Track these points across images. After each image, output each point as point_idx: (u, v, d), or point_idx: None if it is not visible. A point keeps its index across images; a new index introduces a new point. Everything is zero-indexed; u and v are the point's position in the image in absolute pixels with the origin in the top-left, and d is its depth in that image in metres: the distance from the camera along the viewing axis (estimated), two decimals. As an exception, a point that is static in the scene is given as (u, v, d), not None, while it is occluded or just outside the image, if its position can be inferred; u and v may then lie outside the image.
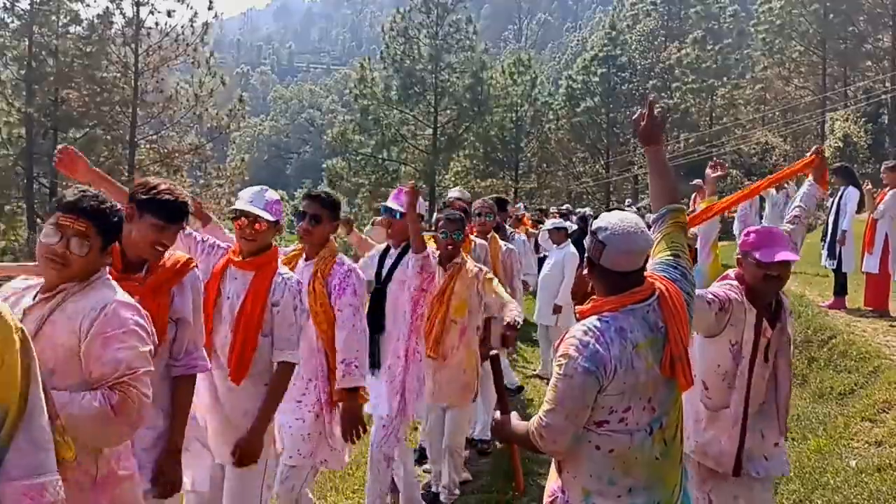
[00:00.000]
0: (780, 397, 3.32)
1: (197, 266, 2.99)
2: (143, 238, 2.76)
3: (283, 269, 3.48)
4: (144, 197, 2.79)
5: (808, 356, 7.68)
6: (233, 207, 3.42)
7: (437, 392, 4.85)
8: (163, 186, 2.85)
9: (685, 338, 2.43)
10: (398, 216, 4.51)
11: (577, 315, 2.49)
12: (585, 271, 2.54)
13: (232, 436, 3.26)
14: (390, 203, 4.57)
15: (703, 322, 3.14)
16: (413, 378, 4.45)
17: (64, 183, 26.84)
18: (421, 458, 5.74)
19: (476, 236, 6.01)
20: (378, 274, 4.58)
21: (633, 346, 2.31)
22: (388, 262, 4.57)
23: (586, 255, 2.51)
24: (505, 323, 4.53)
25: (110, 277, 2.46)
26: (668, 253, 2.62)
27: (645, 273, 2.47)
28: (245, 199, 3.40)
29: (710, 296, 3.17)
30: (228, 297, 3.40)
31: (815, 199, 3.80)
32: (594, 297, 2.49)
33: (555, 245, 8.77)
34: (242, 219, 3.36)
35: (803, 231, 3.73)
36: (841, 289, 8.95)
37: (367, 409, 4.17)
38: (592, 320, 2.36)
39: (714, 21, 42.89)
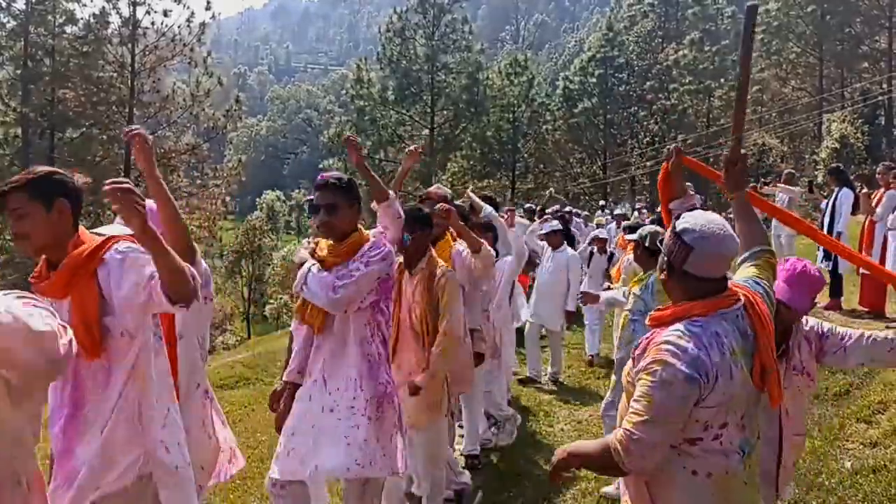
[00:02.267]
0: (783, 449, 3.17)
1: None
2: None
3: None
4: None
5: (803, 357, 7.67)
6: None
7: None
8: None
9: (774, 348, 2.26)
10: None
11: (650, 322, 2.30)
12: (662, 277, 2.34)
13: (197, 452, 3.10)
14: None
15: None
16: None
17: (60, 183, 26.85)
18: None
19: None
20: None
21: (731, 352, 2.13)
22: None
23: (664, 258, 2.31)
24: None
25: None
26: (755, 273, 2.47)
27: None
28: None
29: None
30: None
31: None
32: (667, 306, 2.30)
33: (551, 249, 8.53)
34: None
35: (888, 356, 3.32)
36: (836, 290, 8.96)
37: None
38: (684, 325, 2.15)
39: (711, 22, 42.91)
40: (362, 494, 3.42)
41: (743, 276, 2.45)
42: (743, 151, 2.75)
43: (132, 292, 2.47)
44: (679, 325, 2.15)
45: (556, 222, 8.77)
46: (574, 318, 9.14)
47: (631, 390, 2.22)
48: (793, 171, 13.66)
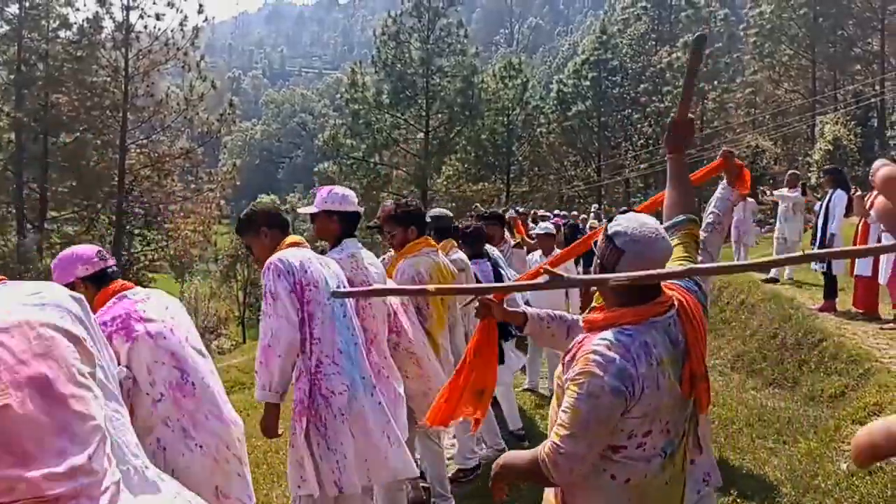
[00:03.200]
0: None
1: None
2: None
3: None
4: None
5: (798, 359, 7.68)
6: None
7: None
8: None
9: (704, 354, 2.20)
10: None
11: (583, 325, 2.24)
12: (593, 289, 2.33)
13: None
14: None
15: None
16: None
17: (54, 188, 26.77)
18: None
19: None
20: None
21: (658, 362, 2.07)
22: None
23: (597, 261, 2.25)
24: None
25: None
26: (681, 259, 2.42)
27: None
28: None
29: None
30: None
31: (730, 202, 3.44)
32: (600, 306, 2.24)
33: (541, 253, 7.88)
34: None
35: (719, 239, 3.40)
36: (831, 292, 8.97)
37: None
38: (613, 333, 2.10)
39: (704, 25, 43.02)
40: None
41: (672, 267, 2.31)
42: (691, 115, 2.77)
43: None
44: (608, 334, 2.09)
45: (549, 225, 8.28)
46: None
47: (561, 396, 2.17)
48: (796, 172, 13.36)
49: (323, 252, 4.01)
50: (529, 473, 2.19)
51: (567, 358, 2.18)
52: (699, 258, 3.22)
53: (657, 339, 2.09)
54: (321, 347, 3.39)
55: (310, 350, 3.38)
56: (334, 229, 4.00)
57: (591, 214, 18.79)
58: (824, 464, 5.29)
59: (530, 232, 8.65)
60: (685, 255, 2.45)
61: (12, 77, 26.23)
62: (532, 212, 15.01)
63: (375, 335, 4.00)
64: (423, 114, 35.16)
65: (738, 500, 4.84)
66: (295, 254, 3.44)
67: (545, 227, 8.07)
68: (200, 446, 2.89)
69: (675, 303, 2.20)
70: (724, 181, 3.53)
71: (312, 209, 4.00)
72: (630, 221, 2.18)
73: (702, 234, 3.25)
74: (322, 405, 3.36)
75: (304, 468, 3.35)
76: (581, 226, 15.54)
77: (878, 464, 5.03)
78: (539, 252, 7.97)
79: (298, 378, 3.41)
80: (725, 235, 3.45)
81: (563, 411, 2.09)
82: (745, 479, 5.19)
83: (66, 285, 2.52)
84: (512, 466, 2.27)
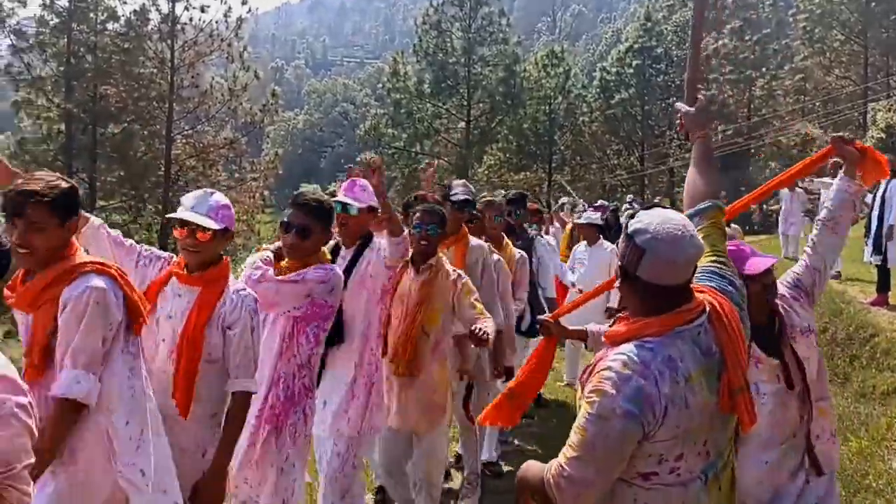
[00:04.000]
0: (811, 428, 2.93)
1: (112, 275, 2.60)
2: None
3: (237, 284, 3.05)
4: None
5: (849, 354, 7.51)
6: (170, 216, 2.98)
7: (403, 415, 4.08)
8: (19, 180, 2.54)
9: (745, 364, 1.98)
10: (354, 211, 3.91)
11: (605, 339, 2.05)
12: (617, 284, 2.10)
13: (189, 477, 2.85)
14: (342, 197, 3.93)
15: None
16: (376, 393, 3.89)
17: (103, 178, 27.34)
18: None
19: (483, 238, 5.14)
20: None
21: (686, 378, 1.87)
22: (341, 262, 3.89)
23: (619, 263, 2.05)
24: (472, 329, 3.78)
25: None
26: (712, 258, 2.18)
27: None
28: (186, 206, 2.92)
29: None
30: (171, 317, 2.96)
31: (848, 195, 3.08)
32: (624, 316, 2.05)
33: (586, 244, 7.78)
34: (183, 228, 2.89)
35: (834, 240, 3.07)
36: (884, 285, 8.73)
37: (315, 430, 3.65)
38: (631, 348, 1.90)
39: (752, 11, 42.03)
40: None
41: (701, 264, 2.10)
42: (703, 94, 2.66)
43: (70, 338, 2.47)
44: (628, 348, 1.90)
45: (595, 214, 8.06)
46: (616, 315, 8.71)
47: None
48: (839, 160, 12.97)
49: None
50: (539, 493, 2.00)
51: (584, 375, 2.01)
52: (807, 261, 3.05)
53: (684, 351, 1.89)
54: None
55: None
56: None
57: (626, 206, 18.08)
58: (875, 462, 5.16)
59: (576, 221, 8.44)
60: (713, 250, 2.20)
61: (62, 69, 26.74)
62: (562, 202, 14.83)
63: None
64: (465, 103, 35.08)
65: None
66: None
67: (589, 216, 7.91)
68: None
69: (707, 307, 1.98)
70: (843, 171, 3.17)
71: (361, 203, 3.96)
72: (653, 217, 1.96)
73: (813, 232, 3.12)
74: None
75: None
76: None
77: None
78: (584, 243, 7.90)
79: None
80: (844, 236, 3.14)
81: (573, 431, 1.92)
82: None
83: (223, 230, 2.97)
84: (524, 481, 2.09)
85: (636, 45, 40.74)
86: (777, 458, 2.86)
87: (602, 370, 1.89)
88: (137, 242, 3.26)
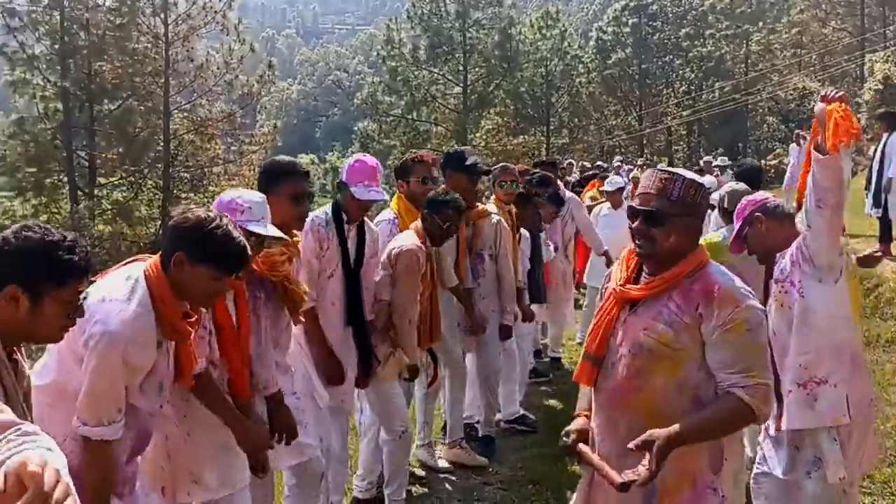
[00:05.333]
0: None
1: None
2: (199, 288, 2.48)
3: None
4: (199, 245, 2.43)
5: (854, 305, 7.69)
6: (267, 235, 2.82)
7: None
8: (219, 230, 2.44)
9: None
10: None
11: None
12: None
13: None
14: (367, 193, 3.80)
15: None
16: None
17: (103, 155, 27.33)
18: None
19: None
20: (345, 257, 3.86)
21: None
22: (351, 242, 3.89)
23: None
24: None
25: None
26: None
27: None
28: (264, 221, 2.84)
29: None
30: None
31: (826, 178, 2.93)
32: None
33: (609, 206, 8.02)
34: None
35: (822, 219, 2.99)
36: (886, 236, 8.88)
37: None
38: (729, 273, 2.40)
39: (748, -36, 41.71)
40: None
41: None
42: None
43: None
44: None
45: (618, 178, 8.42)
46: None
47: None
48: None
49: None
50: (724, 426, 2.27)
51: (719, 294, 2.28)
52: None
53: None
54: None
55: None
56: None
57: (615, 167, 17.60)
58: (882, 407, 5.37)
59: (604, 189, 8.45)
60: None
61: (56, 47, 26.57)
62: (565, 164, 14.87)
63: None
64: (461, 68, 34.92)
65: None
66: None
67: (614, 181, 8.18)
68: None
69: None
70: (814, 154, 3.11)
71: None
72: None
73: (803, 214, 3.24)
74: None
75: None
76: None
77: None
78: (607, 205, 8.10)
79: None
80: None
81: (743, 350, 2.22)
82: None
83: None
84: (688, 433, 2.16)
85: (632, 3, 40.44)
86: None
87: (739, 288, 2.29)
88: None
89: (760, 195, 3.57)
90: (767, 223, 3.32)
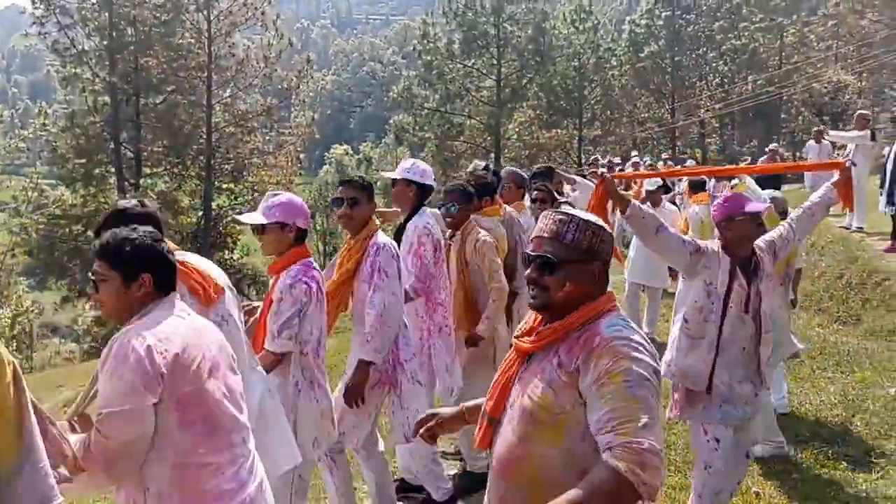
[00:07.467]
0: (760, 351, 3.67)
1: None
2: None
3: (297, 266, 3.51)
4: None
5: (862, 297, 8.19)
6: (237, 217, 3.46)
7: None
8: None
9: None
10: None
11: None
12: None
13: None
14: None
15: (680, 260, 3.71)
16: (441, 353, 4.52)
17: (149, 148, 28.36)
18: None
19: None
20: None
21: None
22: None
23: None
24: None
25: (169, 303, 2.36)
26: None
27: None
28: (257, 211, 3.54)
29: (690, 240, 3.76)
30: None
31: (830, 200, 4.11)
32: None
33: (650, 206, 7.57)
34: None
35: (809, 223, 4.08)
36: (899, 232, 9.30)
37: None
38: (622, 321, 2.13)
39: (784, -44, 41.46)
40: None
41: None
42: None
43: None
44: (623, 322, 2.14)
45: (657, 180, 8.52)
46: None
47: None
48: (865, 112, 12.15)
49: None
50: (608, 499, 1.75)
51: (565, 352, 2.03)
52: (784, 231, 4.00)
53: None
54: None
55: None
56: (411, 197, 4.52)
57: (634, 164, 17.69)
58: (875, 390, 5.91)
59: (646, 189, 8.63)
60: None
61: (105, 43, 27.64)
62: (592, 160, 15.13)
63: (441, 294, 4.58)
64: (495, 62, 35.37)
65: (795, 419, 5.51)
66: (393, 243, 4.09)
67: (654, 182, 8.45)
68: (317, 400, 3.52)
69: None
70: (833, 183, 4.16)
71: (395, 175, 4.55)
72: None
73: (796, 212, 4.13)
74: (399, 371, 4.07)
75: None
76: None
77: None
78: (647, 204, 8.48)
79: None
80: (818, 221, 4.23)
81: (626, 401, 1.83)
82: (802, 402, 5.84)
83: (276, 223, 3.45)
84: None
85: (665, -4, 40.45)
86: (729, 359, 3.59)
87: (616, 343, 1.93)
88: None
89: None
90: None
